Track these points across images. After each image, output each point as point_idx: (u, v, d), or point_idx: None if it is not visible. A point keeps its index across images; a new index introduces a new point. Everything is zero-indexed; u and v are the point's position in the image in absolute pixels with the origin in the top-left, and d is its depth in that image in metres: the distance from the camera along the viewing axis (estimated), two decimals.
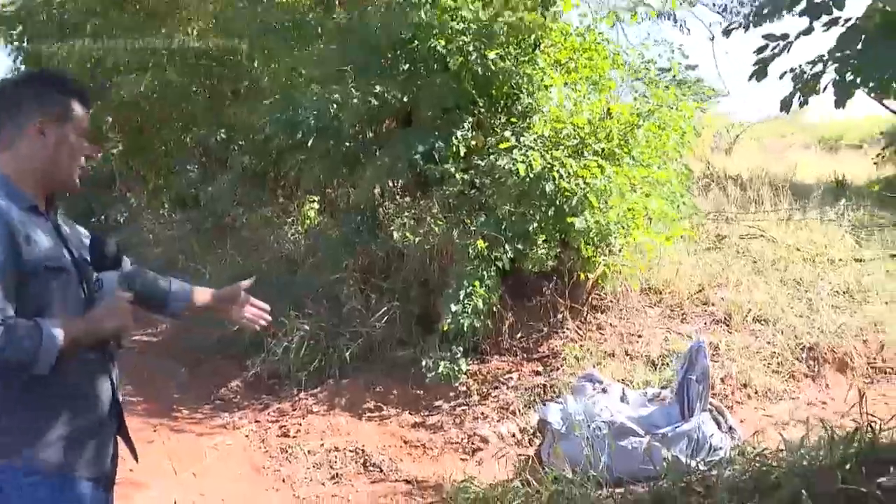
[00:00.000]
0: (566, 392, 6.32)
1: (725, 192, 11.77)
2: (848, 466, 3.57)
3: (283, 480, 5.78)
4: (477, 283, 6.79)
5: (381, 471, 5.86)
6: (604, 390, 5.72)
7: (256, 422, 6.89)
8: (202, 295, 2.89)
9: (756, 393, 6.72)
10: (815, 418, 5.59)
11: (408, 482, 5.66)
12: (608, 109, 7.38)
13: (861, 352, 7.19)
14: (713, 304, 8.02)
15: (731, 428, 5.26)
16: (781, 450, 4.42)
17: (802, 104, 3.97)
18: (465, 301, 6.77)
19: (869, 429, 3.93)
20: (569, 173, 6.81)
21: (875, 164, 15.33)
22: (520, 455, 6.01)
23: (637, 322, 7.72)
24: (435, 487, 5.47)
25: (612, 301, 7.94)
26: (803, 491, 3.35)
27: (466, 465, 5.99)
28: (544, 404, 5.91)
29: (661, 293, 8.25)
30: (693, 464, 4.76)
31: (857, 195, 11.83)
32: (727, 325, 7.69)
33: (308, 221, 10.54)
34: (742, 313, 7.75)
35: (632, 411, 5.50)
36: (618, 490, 4.71)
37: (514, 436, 6.38)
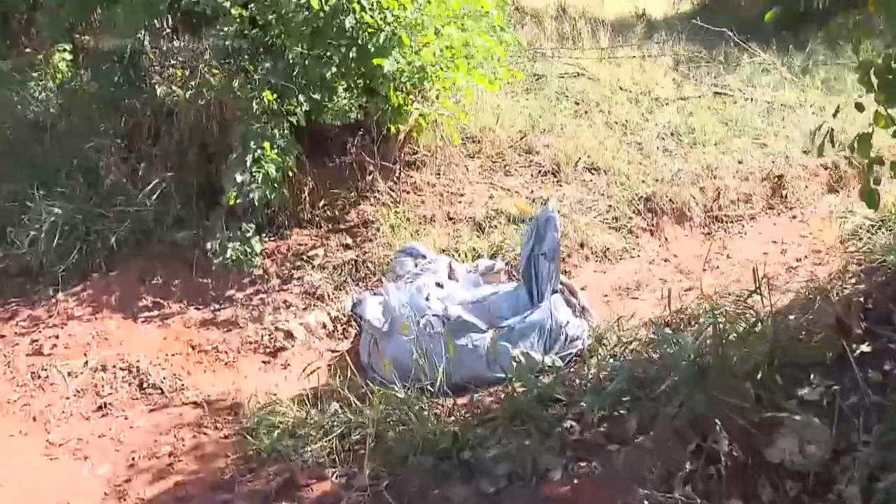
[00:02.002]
0: (385, 269, 5.35)
1: (541, 26, 10.78)
2: (759, 376, 2.74)
3: (35, 419, 4.56)
4: (267, 144, 5.59)
5: (163, 392, 4.69)
6: (422, 274, 4.73)
7: (1, 336, 5.46)
8: None
9: (594, 253, 6.05)
10: (663, 281, 4.88)
11: (196, 405, 4.52)
12: None
13: (699, 200, 6.59)
14: (538, 153, 7.21)
15: (584, 309, 4.45)
16: (651, 339, 3.61)
17: None
18: (254, 168, 5.56)
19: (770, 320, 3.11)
20: (372, 5, 5.61)
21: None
22: (333, 352, 5.04)
23: (457, 178, 6.78)
24: (232, 410, 4.40)
25: (427, 155, 6.91)
26: (717, 422, 2.48)
27: (270, 370, 4.96)
28: (359, 300, 4.81)
29: (479, 142, 7.32)
30: (549, 361, 3.89)
31: (670, 29, 11.20)
32: (556, 177, 6.91)
33: (60, 76, 8.67)
34: (570, 162, 6.97)
35: (465, 293, 4.56)
36: (460, 401, 3.79)
37: (324, 326, 5.43)
